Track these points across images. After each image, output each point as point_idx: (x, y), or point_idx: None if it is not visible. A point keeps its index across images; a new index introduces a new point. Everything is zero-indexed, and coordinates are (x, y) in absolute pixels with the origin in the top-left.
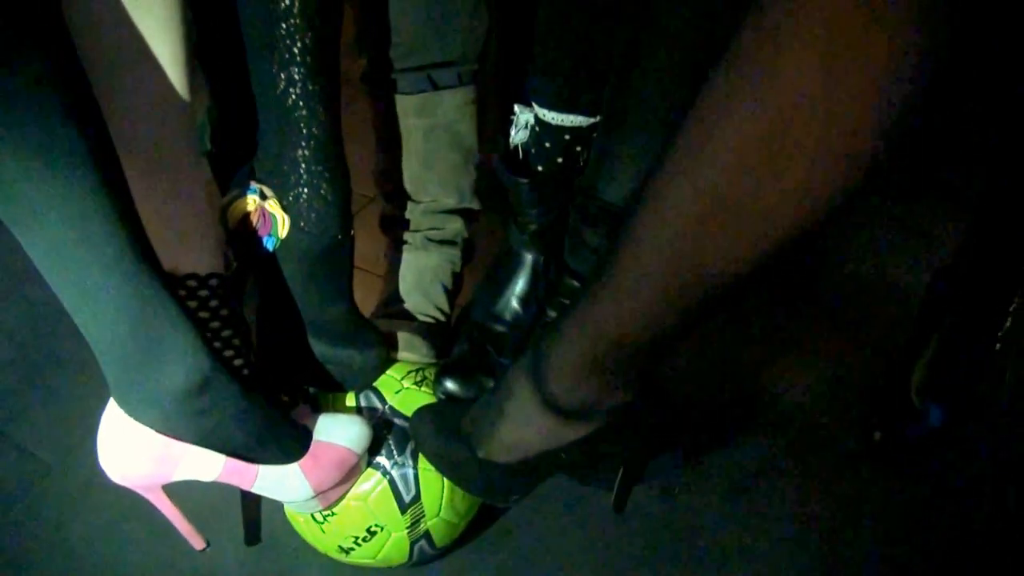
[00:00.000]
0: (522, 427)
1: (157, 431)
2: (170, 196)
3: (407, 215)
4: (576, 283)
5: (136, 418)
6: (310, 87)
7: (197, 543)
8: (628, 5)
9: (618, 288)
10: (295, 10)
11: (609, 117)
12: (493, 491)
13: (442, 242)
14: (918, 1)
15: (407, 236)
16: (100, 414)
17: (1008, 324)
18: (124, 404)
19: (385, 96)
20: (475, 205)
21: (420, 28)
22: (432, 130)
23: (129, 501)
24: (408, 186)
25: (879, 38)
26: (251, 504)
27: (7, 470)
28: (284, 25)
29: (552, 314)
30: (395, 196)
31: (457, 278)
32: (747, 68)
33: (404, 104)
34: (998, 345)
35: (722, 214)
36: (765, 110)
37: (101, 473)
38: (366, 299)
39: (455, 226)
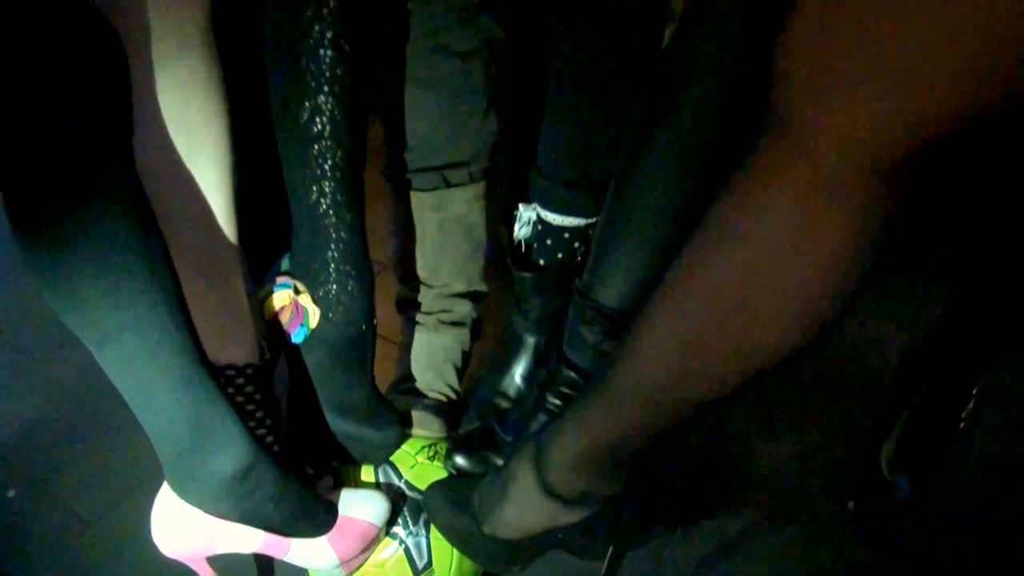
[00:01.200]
0: (523, 509)
1: (205, 511)
2: (215, 298)
3: (420, 298)
4: (573, 374)
5: (187, 500)
6: (339, 198)
7: None
8: (625, 122)
9: (612, 400)
10: (326, 133)
11: (606, 226)
12: (497, 562)
13: (453, 323)
14: (870, 185)
15: (420, 317)
16: (138, 473)
17: (971, 405)
18: (176, 488)
19: (403, 191)
20: (483, 288)
21: (434, 132)
22: (445, 223)
23: (162, 561)
24: (422, 272)
25: (838, 215)
26: (265, 569)
27: (47, 523)
28: (316, 146)
29: (552, 400)
30: (410, 280)
31: (466, 356)
32: (722, 230)
33: (419, 200)
34: (962, 424)
35: (697, 354)
36: (734, 270)
37: (136, 533)
38: (380, 362)
39: (464, 309)
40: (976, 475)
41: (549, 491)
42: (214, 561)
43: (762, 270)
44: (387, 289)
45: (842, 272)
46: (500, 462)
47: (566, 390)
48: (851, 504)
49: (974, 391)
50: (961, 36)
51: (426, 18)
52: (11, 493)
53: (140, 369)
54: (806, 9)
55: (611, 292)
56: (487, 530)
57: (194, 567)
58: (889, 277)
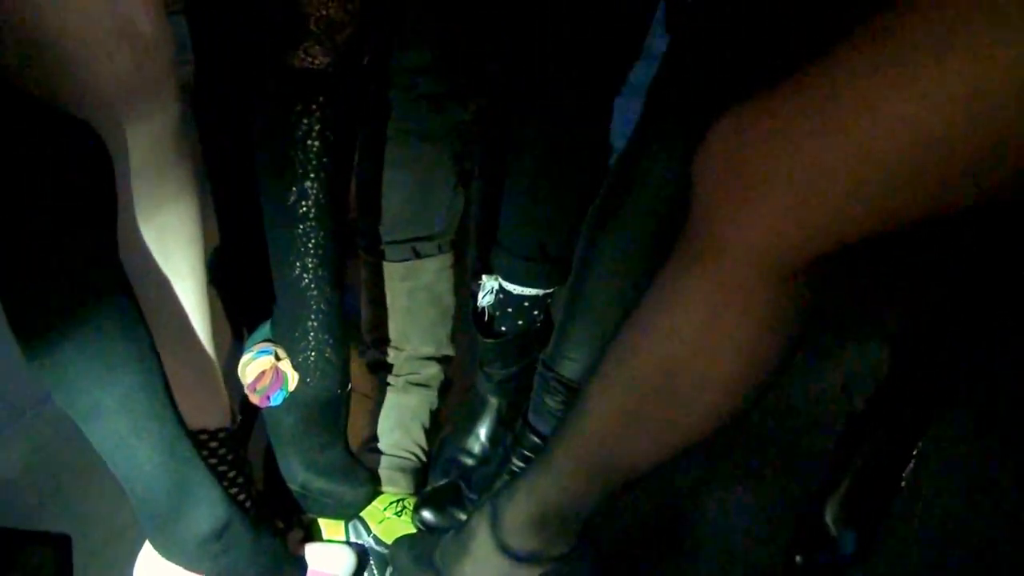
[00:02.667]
0: (481, 565)
1: (184, 568)
2: (189, 373)
3: (391, 360)
4: (536, 439)
5: (167, 558)
6: (320, 272)
7: None
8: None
9: (557, 468)
10: (311, 215)
11: (568, 306)
12: None
13: (421, 384)
14: (775, 288)
15: (390, 379)
16: (121, 523)
17: (911, 466)
18: (157, 547)
19: (376, 261)
20: (450, 352)
21: (405, 208)
22: (414, 291)
23: None
24: (392, 336)
25: (745, 315)
26: None
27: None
28: (301, 226)
29: (516, 462)
30: (382, 343)
31: (434, 416)
32: (646, 324)
33: (391, 269)
34: (902, 483)
35: (629, 430)
36: (656, 361)
37: None
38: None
39: (432, 371)
40: (919, 532)
41: (504, 549)
42: None
43: (679, 362)
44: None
45: (754, 364)
46: (463, 517)
47: (529, 454)
48: (798, 558)
49: (914, 452)
50: (857, 158)
51: (399, 104)
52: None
53: (125, 441)
54: (720, 128)
55: (572, 365)
56: None
57: None
58: (835, 337)
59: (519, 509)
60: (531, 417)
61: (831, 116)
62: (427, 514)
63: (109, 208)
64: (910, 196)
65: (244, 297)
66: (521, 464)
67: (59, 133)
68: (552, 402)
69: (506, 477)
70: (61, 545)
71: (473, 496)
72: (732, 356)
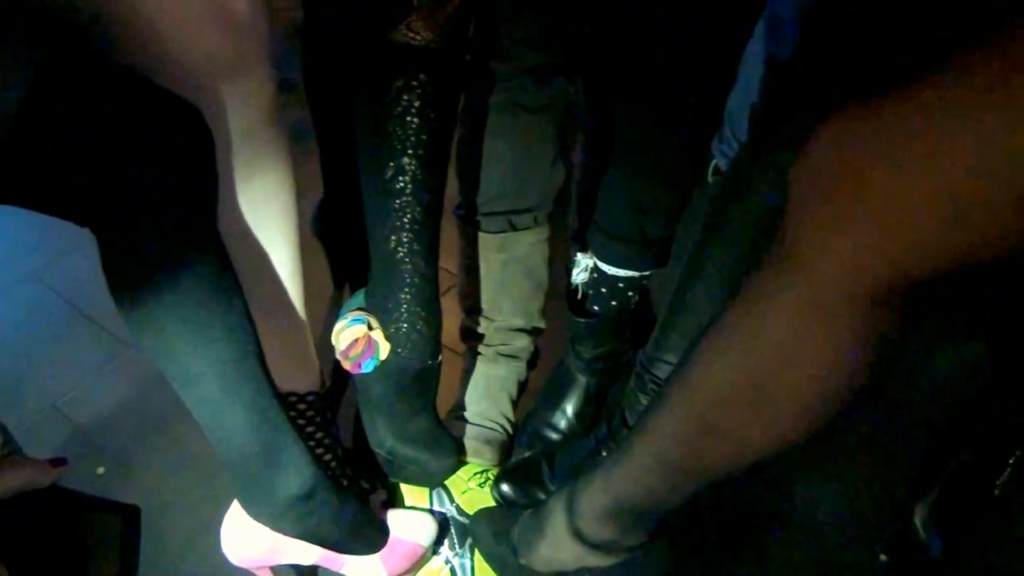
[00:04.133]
0: (556, 548)
1: (270, 528)
2: (281, 337)
3: (482, 330)
4: (626, 430)
5: (254, 518)
6: (415, 247)
7: None
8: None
9: (634, 465)
10: (408, 190)
11: (670, 313)
12: None
13: (510, 356)
14: (862, 313)
15: (481, 348)
16: (216, 463)
17: (1007, 474)
18: (245, 507)
19: (472, 230)
20: (541, 324)
21: (504, 180)
22: (508, 263)
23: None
24: (485, 306)
25: (830, 337)
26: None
27: (131, 501)
28: (398, 201)
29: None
30: (474, 312)
31: (522, 387)
32: (730, 334)
33: (486, 240)
34: (996, 491)
35: (706, 437)
36: (737, 372)
37: (211, 518)
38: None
39: (522, 343)
40: (1010, 543)
41: (578, 535)
42: (276, 569)
43: (760, 376)
44: (455, 318)
45: (835, 384)
46: (542, 496)
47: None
48: (883, 557)
49: (1011, 461)
50: (956, 190)
51: (505, 77)
52: (100, 470)
53: (217, 406)
54: (819, 142)
55: (669, 370)
56: (523, 561)
57: (257, 573)
58: (934, 337)
59: (595, 498)
60: (627, 414)
61: (934, 142)
62: (506, 488)
63: (209, 181)
64: (1011, 228)
65: (346, 251)
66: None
67: (161, 108)
68: (647, 403)
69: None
70: (130, 516)
71: (554, 478)
72: (813, 374)
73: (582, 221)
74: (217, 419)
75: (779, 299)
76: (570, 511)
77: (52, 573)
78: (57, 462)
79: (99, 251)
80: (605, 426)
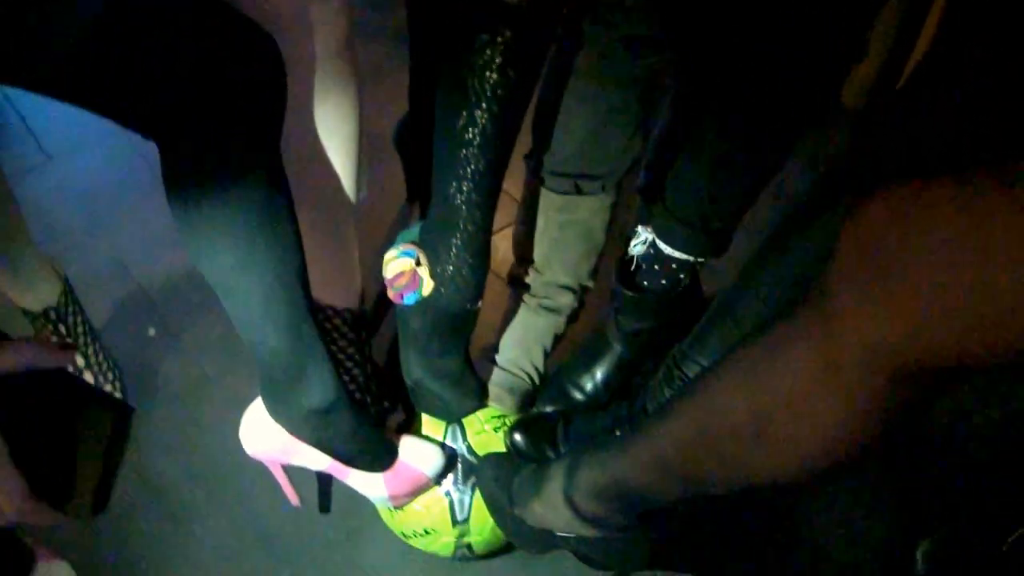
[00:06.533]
0: (549, 509)
1: (287, 431)
2: (331, 249)
3: (529, 280)
4: (644, 417)
5: (275, 419)
6: (474, 197)
7: (294, 500)
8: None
9: (632, 455)
10: (476, 142)
11: (712, 319)
12: (521, 540)
13: (551, 310)
14: (879, 382)
15: (525, 297)
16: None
17: (1020, 532)
18: (268, 407)
19: (537, 183)
20: (589, 283)
21: (577, 144)
22: (567, 224)
23: None
24: (536, 258)
25: (844, 396)
26: (325, 482)
27: (175, 369)
28: (464, 150)
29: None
30: (525, 261)
31: (558, 339)
32: (747, 366)
33: (549, 198)
34: (1004, 547)
35: (706, 453)
36: (747, 405)
37: (248, 398)
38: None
39: (566, 300)
40: None
41: (570, 504)
42: (287, 468)
43: (765, 418)
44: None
45: (839, 445)
46: (551, 454)
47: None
48: None
49: None
50: (997, 290)
51: (594, 40)
52: (151, 332)
53: (256, 320)
54: (874, 206)
55: (698, 370)
56: (517, 512)
57: (270, 468)
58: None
59: (593, 475)
60: (648, 403)
61: (984, 237)
62: (518, 438)
63: (275, 106)
64: None
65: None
66: (632, 432)
67: (236, 30)
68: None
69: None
70: (120, 415)
71: (566, 440)
72: (818, 431)
73: (649, 194)
74: (251, 329)
75: (800, 350)
76: (568, 479)
77: (37, 454)
78: (65, 347)
79: (160, 159)
80: (626, 406)
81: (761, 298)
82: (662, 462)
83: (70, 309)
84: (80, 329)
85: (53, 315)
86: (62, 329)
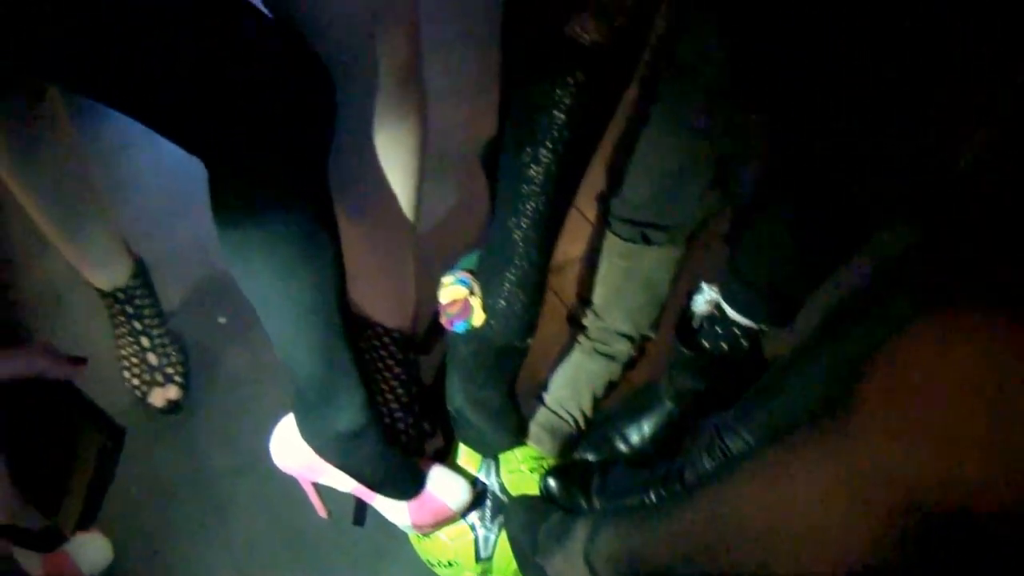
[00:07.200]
0: (568, 565)
1: (314, 452)
2: (387, 271)
3: (586, 323)
4: (679, 489)
5: (304, 439)
6: (531, 235)
7: (322, 512)
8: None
9: (652, 535)
10: (538, 180)
11: (768, 386)
12: None
13: (607, 355)
14: (890, 514)
15: (580, 338)
16: None
17: None
18: (298, 424)
19: (604, 225)
20: (650, 334)
21: (648, 192)
22: (630, 271)
23: None
24: (596, 300)
25: (855, 520)
26: (362, 503)
27: (240, 358)
28: (526, 187)
29: (651, 499)
30: (584, 302)
31: (610, 388)
32: (765, 467)
33: (613, 243)
34: None
35: (719, 545)
36: (759, 506)
37: None
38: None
39: (623, 347)
40: None
41: (588, 564)
42: (318, 486)
43: (777, 522)
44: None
45: (847, 566)
46: (583, 504)
47: (668, 498)
48: None
49: None
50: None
51: (675, 89)
52: (221, 320)
53: (288, 338)
54: (914, 335)
55: (742, 446)
56: (540, 560)
57: (301, 483)
58: None
59: (612, 542)
60: (687, 472)
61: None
62: (552, 483)
63: (323, 133)
64: None
65: None
66: (657, 504)
67: (288, 55)
68: (708, 464)
69: (636, 501)
70: (114, 437)
71: (601, 493)
72: (828, 548)
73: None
74: (286, 348)
75: (822, 464)
76: (591, 540)
77: (33, 461)
78: (77, 361)
79: (208, 175)
80: (665, 468)
81: (812, 382)
82: (677, 546)
83: (139, 291)
84: (148, 312)
85: (121, 295)
86: (128, 309)
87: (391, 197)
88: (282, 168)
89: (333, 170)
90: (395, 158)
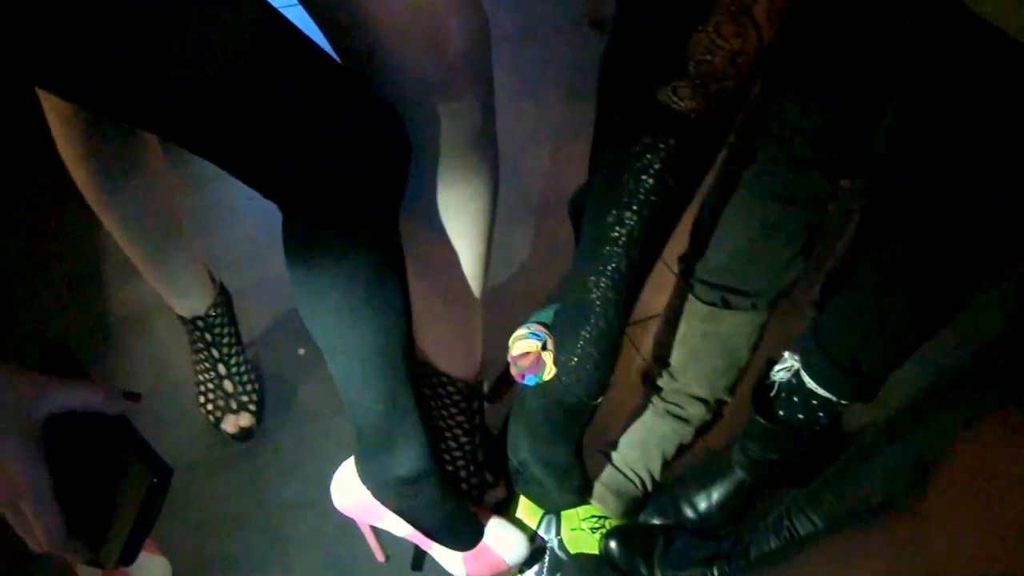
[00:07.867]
0: None
1: (372, 496)
2: (455, 322)
3: (661, 383)
4: (743, 563)
5: (363, 482)
6: (609, 296)
7: (379, 557)
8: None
9: None
10: (620, 241)
11: (844, 464)
12: None
13: (680, 418)
14: None
15: (654, 399)
16: None
17: None
18: (358, 467)
19: (686, 287)
20: (726, 398)
21: (731, 256)
22: (708, 335)
23: None
24: (673, 362)
25: None
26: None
27: (321, 389)
28: (608, 248)
29: (715, 574)
30: (660, 362)
31: (681, 451)
32: (831, 564)
33: (694, 306)
34: None
35: None
36: None
37: None
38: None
39: (697, 411)
40: None
41: None
42: (376, 529)
43: None
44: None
45: None
46: (643, 571)
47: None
48: None
49: None
50: None
51: (766, 155)
52: (301, 351)
53: (352, 381)
54: (988, 425)
55: (810, 527)
56: None
57: (359, 525)
58: None
59: None
60: (752, 550)
61: None
62: (613, 546)
63: (395, 185)
64: None
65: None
66: None
67: (365, 109)
68: (776, 544)
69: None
70: (162, 475)
71: (664, 561)
72: None
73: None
74: (349, 391)
75: (891, 551)
76: None
77: (81, 494)
78: (132, 396)
79: (282, 217)
80: (732, 542)
81: (886, 467)
82: None
83: (219, 320)
84: (227, 340)
85: (201, 323)
86: (208, 337)
87: (457, 255)
88: (355, 217)
89: (401, 223)
90: (463, 218)
